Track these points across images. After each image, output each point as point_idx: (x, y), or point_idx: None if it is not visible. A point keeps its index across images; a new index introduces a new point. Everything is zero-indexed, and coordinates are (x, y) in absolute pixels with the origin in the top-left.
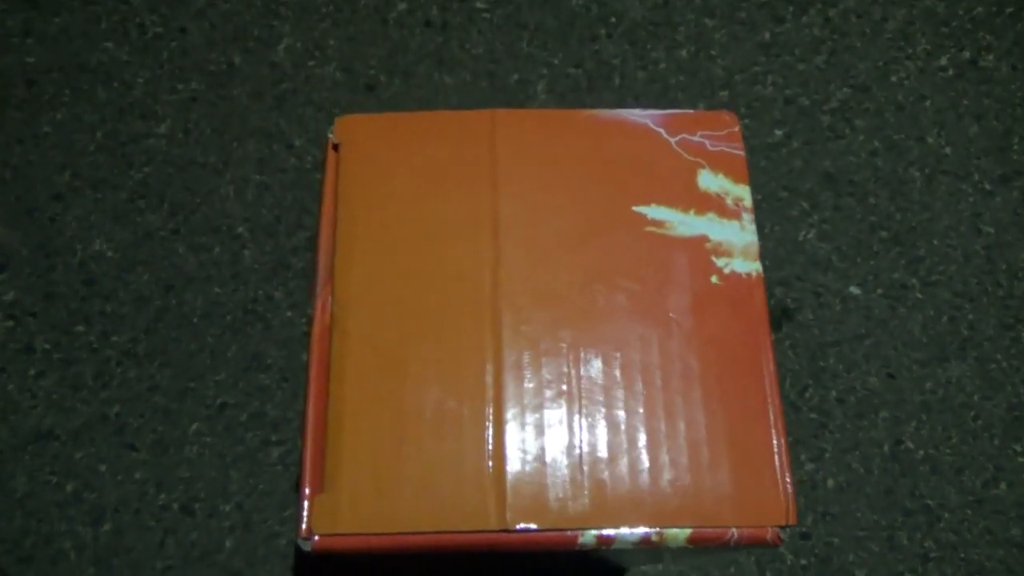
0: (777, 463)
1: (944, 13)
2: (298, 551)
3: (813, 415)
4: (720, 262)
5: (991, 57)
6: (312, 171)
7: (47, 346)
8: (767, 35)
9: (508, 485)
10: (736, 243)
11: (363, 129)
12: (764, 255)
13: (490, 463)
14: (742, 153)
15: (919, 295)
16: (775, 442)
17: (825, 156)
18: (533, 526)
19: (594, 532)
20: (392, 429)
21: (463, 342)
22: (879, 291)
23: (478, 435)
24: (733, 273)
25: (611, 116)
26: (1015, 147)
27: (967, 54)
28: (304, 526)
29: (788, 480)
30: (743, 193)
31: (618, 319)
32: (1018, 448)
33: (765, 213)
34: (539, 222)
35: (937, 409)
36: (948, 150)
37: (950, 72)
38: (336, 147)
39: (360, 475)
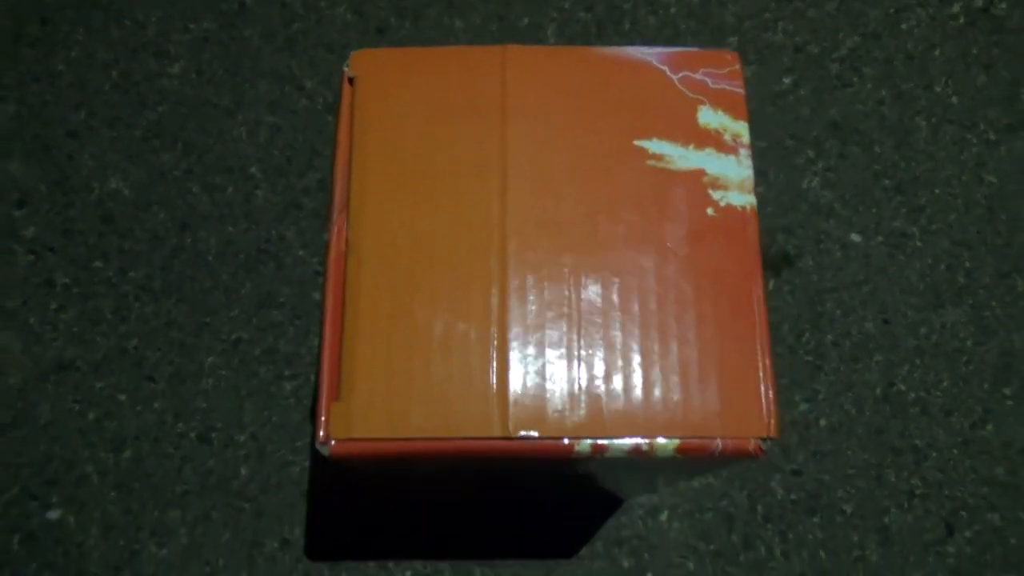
0: (761, 382)
1: None
2: (311, 479)
3: (809, 358)
4: (716, 195)
5: (1004, 5)
6: (323, 112)
7: (67, 280)
8: None
9: (511, 397)
10: (732, 177)
11: (378, 63)
12: (768, 202)
13: (494, 377)
14: (742, 91)
15: (919, 243)
16: (760, 363)
17: (832, 104)
18: (534, 433)
19: (589, 441)
20: (403, 345)
21: (471, 267)
22: (879, 239)
23: (483, 352)
24: (729, 206)
25: (617, 53)
26: (1021, 97)
27: (979, 2)
28: (322, 433)
29: (771, 397)
30: (741, 129)
31: (617, 247)
32: (1007, 392)
33: (771, 160)
34: (545, 155)
35: (930, 353)
36: (955, 99)
37: (961, 20)
38: (351, 80)
39: (373, 386)
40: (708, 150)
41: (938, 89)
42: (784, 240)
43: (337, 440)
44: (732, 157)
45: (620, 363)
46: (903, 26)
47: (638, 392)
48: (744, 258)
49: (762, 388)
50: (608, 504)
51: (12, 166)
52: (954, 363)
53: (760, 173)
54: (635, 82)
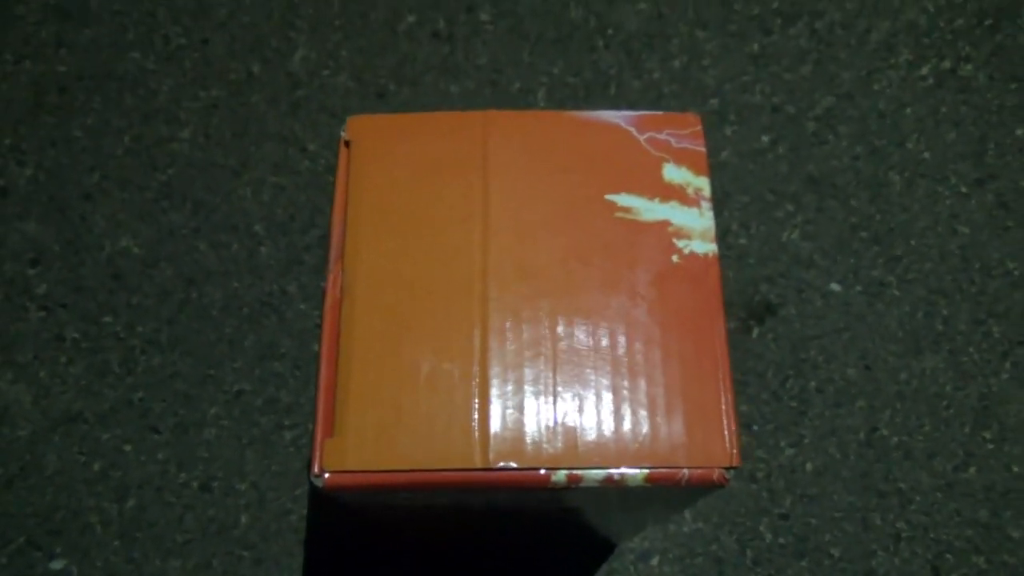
0: (724, 415)
1: (926, 25)
2: (309, 527)
3: (793, 403)
4: (681, 243)
5: (970, 67)
6: (325, 173)
7: (76, 335)
8: (756, 46)
9: (491, 430)
10: (695, 227)
11: (371, 128)
12: (750, 253)
13: (476, 413)
14: (703, 149)
15: (896, 292)
16: (723, 397)
17: (809, 160)
18: (512, 464)
19: (565, 471)
20: (392, 383)
21: (455, 310)
22: (858, 288)
23: (466, 389)
24: (692, 253)
25: (588, 116)
26: (990, 152)
27: (947, 64)
28: (317, 466)
29: (733, 429)
30: (703, 184)
31: (590, 292)
32: (987, 435)
33: (752, 214)
34: (524, 208)
35: (911, 399)
36: (927, 155)
37: (930, 81)
38: (347, 144)
39: (364, 422)
40: (672, 203)
41: (910, 145)
42: (767, 290)
43: (331, 472)
44: (695, 209)
45: (593, 399)
46: (875, 87)
47: (610, 425)
48: (707, 301)
49: (724, 421)
50: (600, 550)
51: (28, 227)
52: (935, 408)
53: (743, 226)
54: (605, 142)
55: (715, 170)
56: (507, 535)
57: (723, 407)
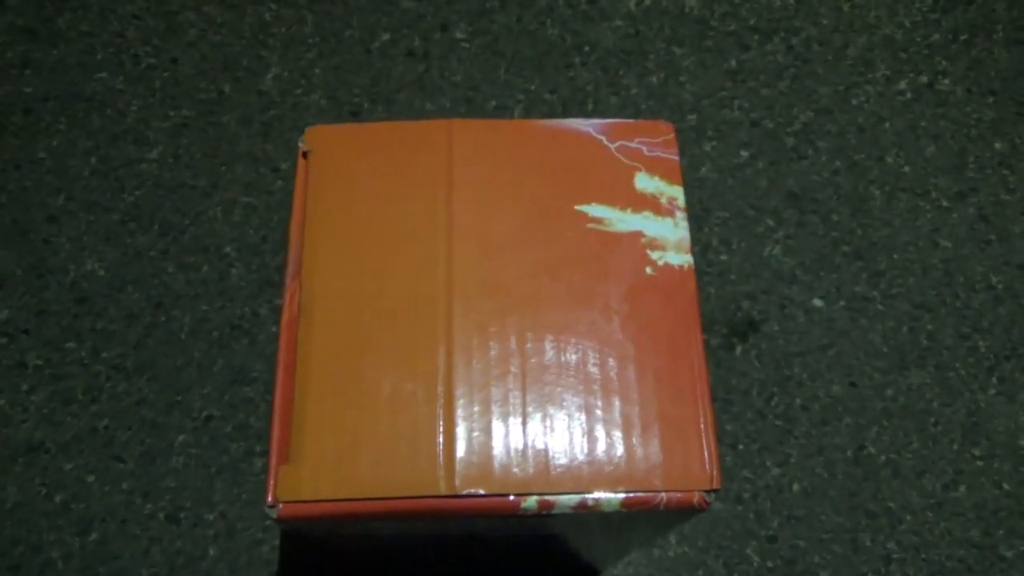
0: (703, 435)
1: (902, 40)
2: (281, 559)
3: (779, 422)
4: (655, 255)
5: (947, 81)
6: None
7: (39, 362)
8: (733, 62)
9: (456, 455)
10: (670, 238)
11: (330, 138)
12: (731, 270)
13: (440, 436)
14: (676, 158)
15: (880, 307)
16: (701, 416)
17: (789, 175)
18: (480, 491)
19: (536, 497)
20: (352, 406)
21: (418, 329)
22: (841, 303)
23: (430, 412)
24: (667, 265)
25: (557, 125)
26: (971, 165)
27: (924, 78)
28: (270, 495)
29: (712, 450)
30: (676, 193)
31: (560, 307)
32: (976, 452)
33: (732, 230)
34: (490, 221)
35: (898, 415)
36: (907, 169)
37: (908, 95)
38: (306, 155)
39: (322, 448)
40: (645, 213)
41: (890, 160)
42: (749, 306)
43: (285, 503)
44: (669, 219)
45: (564, 419)
46: (853, 102)
47: (583, 448)
48: (683, 315)
49: (704, 441)
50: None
51: None
52: (922, 424)
53: (723, 242)
54: (574, 151)
55: (695, 186)
56: (486, 563)
57: (702, 426)
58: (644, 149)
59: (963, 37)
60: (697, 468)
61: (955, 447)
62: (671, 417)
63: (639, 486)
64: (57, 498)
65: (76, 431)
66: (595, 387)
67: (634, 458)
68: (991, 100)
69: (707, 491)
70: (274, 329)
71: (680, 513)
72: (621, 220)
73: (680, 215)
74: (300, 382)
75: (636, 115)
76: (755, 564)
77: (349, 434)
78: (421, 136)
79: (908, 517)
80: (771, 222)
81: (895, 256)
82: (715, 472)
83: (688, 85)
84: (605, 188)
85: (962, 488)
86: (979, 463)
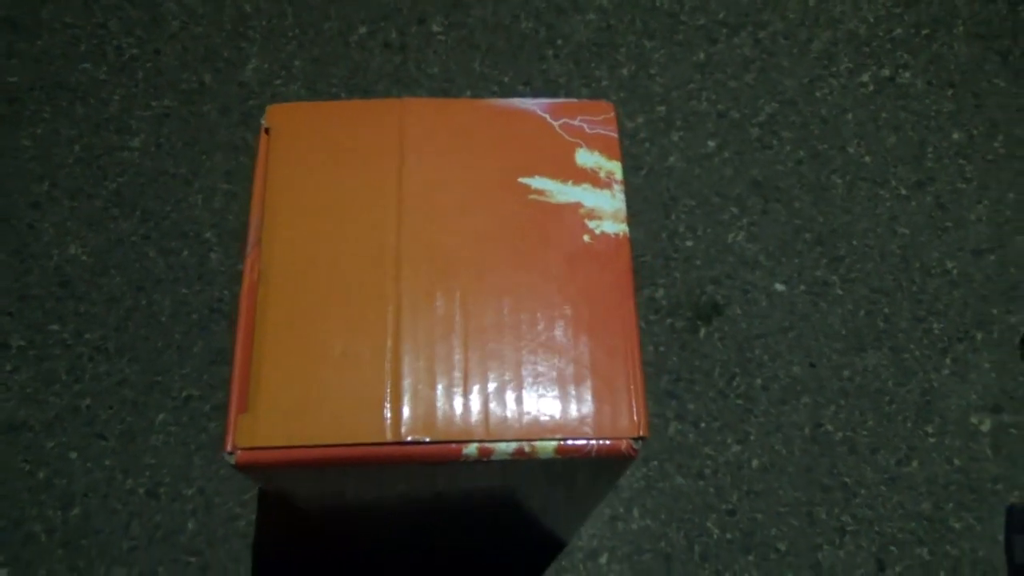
0: (631, 389)
1: (865, 35)
2: (257, 532)
3: (740, 401)
4: (592, 224)
5: (908, 74)
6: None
7: (22, 343)
8: (702, 55)
9: (403, 406)
10: (607, 209)
11: (290, 115)
12: (697, 255)
13: (388, 389)
14: (615, 135)
15: (839, 291)
16: (631, 371)
17: (754, 165)
18: (424, 438)
19: (476, 444)
20: (306, 361)
21: (369, 291)
22: (802, 288)
23: (379, 366)
24: (603, 234)
25: (504, 104)
26: (929, 155)
27: (886, 71)
28: (229, 443)
29: (641, 402)
30: (615, 168)
31: (502, 271)
32: (929, 430)
33: (698, 217)
34: (438, 191)
35: (854, 395)
36: (868, 159)
37: (870, 88)
38: (267, 131)
39: (277, 399)
40: (585, 185)
41: (851, 150)
42: (713, 291)
43: (242, 449)
44: (607, 192)
45: (505, 374)
46: (817, 94)
47: (521, 399)
48: (617, 279)
49: (632, 394)
50: (549, 549)
51: None
52: (878, 403)
53: (689, 229)
54: (520, 128)
55: (663, 174)
56: (456, 536)
57: (631, 381)
58: (585, 127)
59: (924, 32)
60: (625, 418)
61: (909, 425)
62: (602, 372)
63: (572, 434)
64: (40, 474)
65: (59, 410)
66: (533, 345)
67: (567, 409)
68: (950, 92)
69: (635, 439)
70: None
71: (613, 462)
72: (561, 192)
73: (617, 187)
74: (258, 340)
75: None
76: (715, 536)
77: (303, 387)
78: (375, 113)
79: (862, 491)
80: (736, 210)
81: (854, 242)
82: (642, 421)
83: (658, 77)
84: (547, 162)
85: (915, 463)
86: (931, 440)
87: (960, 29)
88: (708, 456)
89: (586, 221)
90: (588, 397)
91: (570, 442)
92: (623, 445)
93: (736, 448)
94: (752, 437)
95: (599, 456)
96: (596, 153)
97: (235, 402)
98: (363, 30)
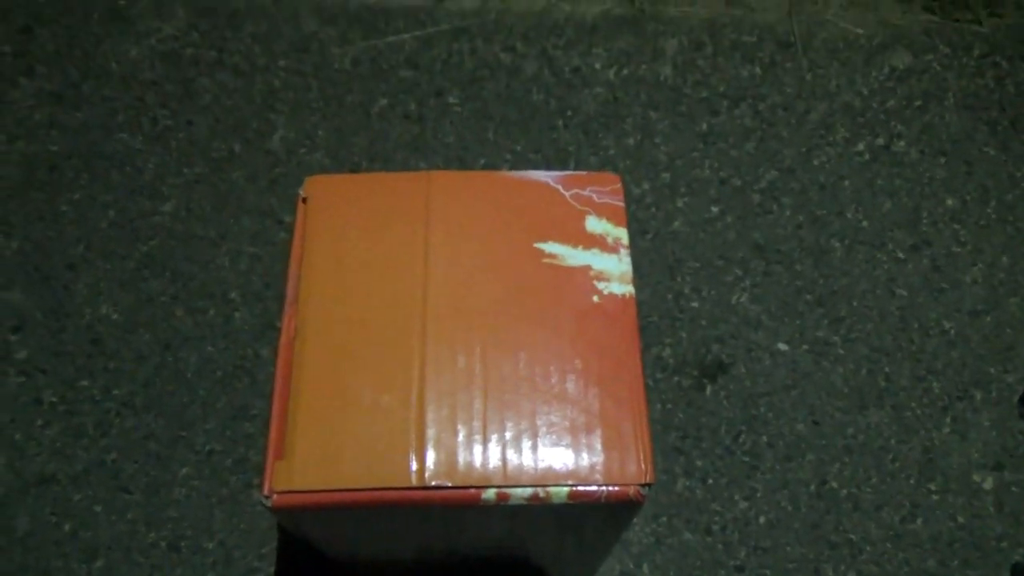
0: (638, 437)
1: (860, 106)
2: None
3: (746, 458)
4: (601, 285)
5: (902, 143)
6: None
7: (54, 399)
8: (704, 125)
9: (427, 453)
10: (614, 271)
11: (327, 186)
12: (702, 315)
13: (413, 437)
14: (622, 204)
15: (840, 350)
16: (637, 421)
17: (755, 229)
18: (446, 483)
19: (494, 489)
20: (338, 411)
21: (396, 346)
22: (804, 347)
23: (405, 416)
24: (611, 294)
25: (521, 176)
26: (924, 220)
27: (881, 140)
28: (267, 487)
29: (647, 450)
30: (621, 234)
31: (519, 328)
32: (932, 487)
33: (703, 278)
34: (461, 256)
35: (858, 452)
36: (865, 223)
37: (866, 156)
38: (305, 200)
39: (311, 446)
40: (594, 250)
41: (849, 215)
42: (718, 350)
43: (278, 493)
44: (614, 256)
45: (520, 424)
46: (815, 162)
47: (536, 448)
48: (624, 335)
49: (639, 443)
50: None
51: (12, 296)
52: (881, 461)
53: (694, 290)
54: (535, 198)
55: (668, 238)
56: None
57: (638, 431)
58: (595, 196)
59: (916, 104)
60: (633, 465)
61: (912, 482)
62: (611, 422)
63: (583, 480)
64: (66, 527)
65: (86, 464)
66: (547, 396)
67: (579, 457)
68: (943, 160)
69: (642, 485)
70: (273, 369)
71: (621, 507)
72: (573, 256)
73: (624, 252)
74: (294, 391)
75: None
76: None
77: (335, 435)
78: (404, 185)
79: (868, 548)
80: (739, 271)
81: (854, 303)
82: (648, 468)
83: (663, 146)
84: (560, 229)
85: (919, 521)
86: (934, 497)
87: (950, 101)
88: (716, 512)
89: (595, 283)
90: (598, 446)
91: (582, 488)
92: (631, 491)
93: (743, 504)
94: (759, 493)
95: (609, 501)
96: (604, 220)
97: (272, 449)
98: (384, 102)
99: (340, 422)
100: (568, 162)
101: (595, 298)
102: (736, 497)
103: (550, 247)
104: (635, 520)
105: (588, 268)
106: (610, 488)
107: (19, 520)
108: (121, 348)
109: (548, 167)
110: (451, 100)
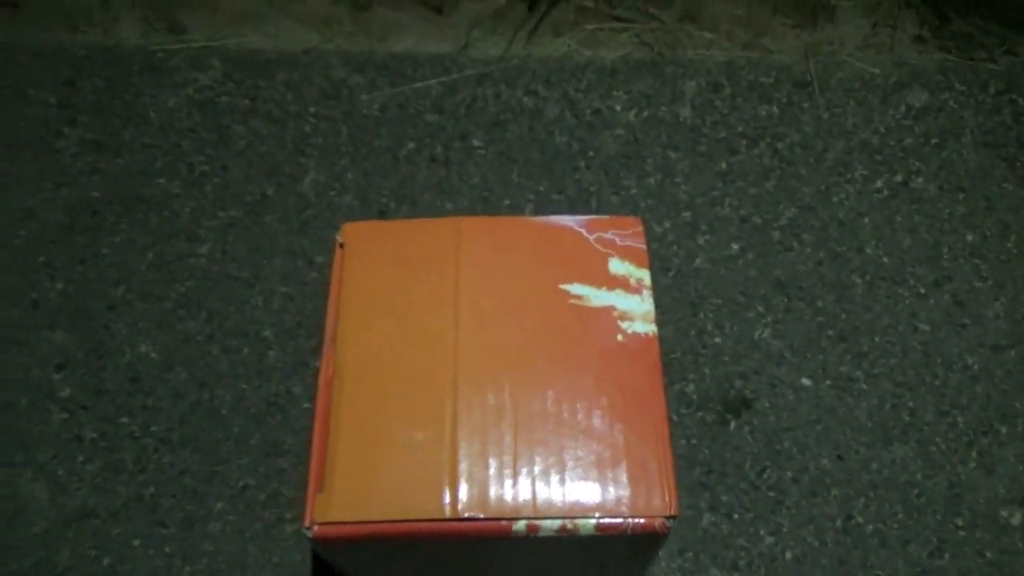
0: (662, 471)
1: (878, 144)
2: None
3: (771, 493)
4: (624, 325)
5: (920, 180)
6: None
7: (94, 435)
8: (724, 164)
9: (459, 486)
10: (637, 311)
11: (362, 232)
12: (724, 352)
13: (446, 471)
14: (643, 246)
15: (864, 385)
16: (662, 455)
17: (776, 266)
18: (479, 515)
19: (525, 521)
20: (375, 447)
21: (430, 384)
22: (828, 382)
23: (438, 451)
24: (635, 333)
25: (546, 221)
26: (945, 255)
27: (899, 177)
28: (308, 518)
29: (671, 483)
30: (643, 275)
31: (547, 367)
32: (959, 522)
33: (725, 315)
34: (490, 297)
35: (883, 487)
36: (886, 259)
37: (885, 193)
38: (342, 245)
39: (350, 480)
40: (617, 291)
41: (869, 251)
42: (741, 385)
43: (319, 524)
44: (637, 296)
45: (548, 458)
46: (834, 199)
47: (564, 481)
48: (648, 373)
49: (663, 477)
50: None
51: (56, 335)
52: (906, 496)
53: (717, 326)
54: (560, 241)
55: (690, 275)
56: None
57: (662, 464)
58: (617, 239)
59: (934, 141)
60: (658, 498)
61: (938, 517)
62: (636, 456)
63: (610, 513)
64: (105, 561)
65: (125, 499)
66: (574, 432)
67: (606, 490)
68: (961, 196)
69: (667, 517)
70: (306, 406)
71: (646, 540)
72: (597, 296)
73: (646, 292)
74: (334, 428)
75: (635, 212)
76: None
77: (372, 470)
78: (435, 230)
79: None
80: (761, 308)
81: (876, 339)
82: (673, 502)
83: (683, 185)
84: (584, 271)
85: (946, 556)
86: (962, 533)
87: (968, 138)
88: (742, 547)
89: (619, 322)
90: (624, 479)
91: (608, 520)
92: (657, 523)
93: (769, 540)
94: (784, 529)
95: (635, 533)
96: (627, 262)
97: (312, 481)
98: (411, 145)
99: (377, 458)
100: (590, 202)
101: (619, 337)
102: (762, 532)
103: (575, 288)
104: (661, 555)
105: (612, 308)
106: (636, 520)
107: (61, 554)
108: (159, 386)
109: (571, 207)
110: (476, 143)
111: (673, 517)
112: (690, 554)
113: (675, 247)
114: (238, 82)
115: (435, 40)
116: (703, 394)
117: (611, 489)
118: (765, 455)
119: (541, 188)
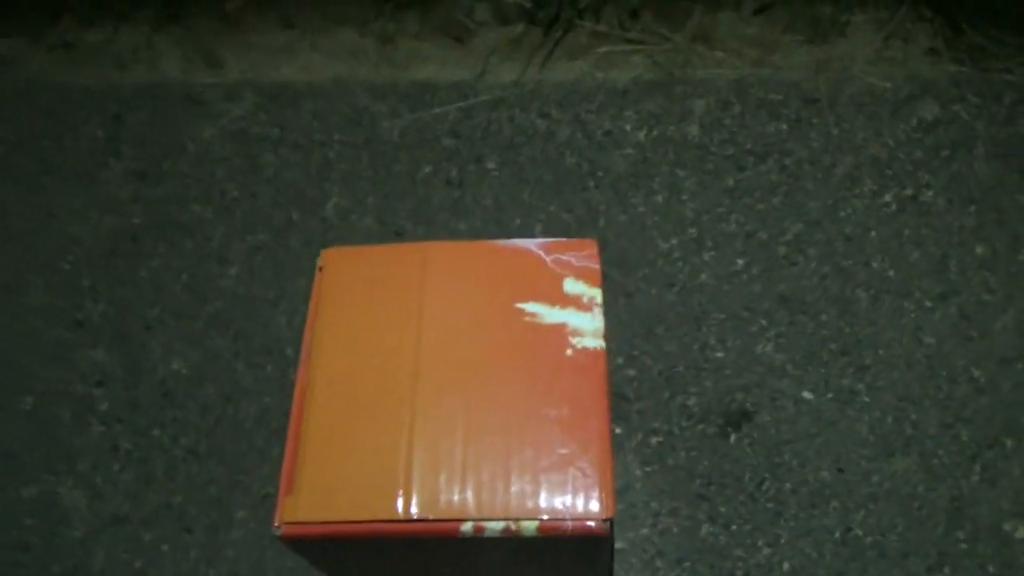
0: (602, 477)
1: (887, 158)
2: None
3: (770, 505)
4: (575, 340)
5: (930, 193)
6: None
7: (129, 446)
8: (731, 181)
9: (413, 490)
10: (588, 328)
11: (341, 257)
12: (727, 365)
13: (401, 476)
14: (597, 267)
15: (866, 398)
16: (601, 463)
17: (781, 281)
18: (429, 516)
19: (471, 522)
20: (340, 454)
21: (391, 398)
22: (829, 395)
23: (395, 458)
24: (584, 348)
25: (508, 244)
26: (952, 269)
27: (908, 191)
28: (277, 519)
29: (609, 488)
30: (596, 294)
31: (500, 380)
32: (960, 535)
33: (728, 329)
34: (451, 316)
35: (884, 499)
36: (891, 273)
37: (893, 207)
38: (321, 269)
39: (316, 484)
40: (570, 309)
41: (875, 265)
42: (743, 398)
43: (286, 524)
44: (588, 313)
45: (498, 465)
46: (841, 214)
47: (509, 486)
48: (593, 386)
49: (602, 482)
50: None
51: (97, 353)
52: (907, 508)
53: (719, 341)
54: (519, 263)
55: (694, 291)
56: None
57: (602, 471)
58: (573, 260)
59: (944, 153)
60: (597, 503)
61: (940, 530)
62: (578, 464)
63: (552, 515)
64: (137, 564)
65: (155, 506)
66: (524, 439)
67: (549, 494)
68: (972, 209)
69: (604, 520)
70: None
71: (589, 541)
72: (550, 314)
73: (597, 310)
74: (303, 435)
75: (643, 230)
76: None
77: (337, 474)
78: (405, 255)
79: None
80: (764, 322)
81: (880, 352)
82: (610, 505)
83: (689, 203)
84: (539, 290)
85: (947, 570)
86: (963, 546)
87: (980, 150)
88: (739, 558)
89: (570, 338)
90: (565, 484)
91: (550, 521)
92: (595, 525)
93: (767, 551)
94: (783, 540)
95: (575, 535)
96: (581, 282)
97: (284, 485)
98: (428, 169)
99: (341, 463)
100: (598, 220)
101: (568, 352)
102: (760, 543)
103: (530, 307)
104: (659, 564)
105: (564, 325)
106: (575, 523)
107: (96, 558)
108: (188, 400)
109: (579, 226)
110: (490, 165)
111: (610, 520)
112: (688, 564)
113: (680, 263)
114: (269, 112)
115: (455, 67)
116: (704, 407)
117: (553, 493)
118: (765, 467)
119: (551, 208)
